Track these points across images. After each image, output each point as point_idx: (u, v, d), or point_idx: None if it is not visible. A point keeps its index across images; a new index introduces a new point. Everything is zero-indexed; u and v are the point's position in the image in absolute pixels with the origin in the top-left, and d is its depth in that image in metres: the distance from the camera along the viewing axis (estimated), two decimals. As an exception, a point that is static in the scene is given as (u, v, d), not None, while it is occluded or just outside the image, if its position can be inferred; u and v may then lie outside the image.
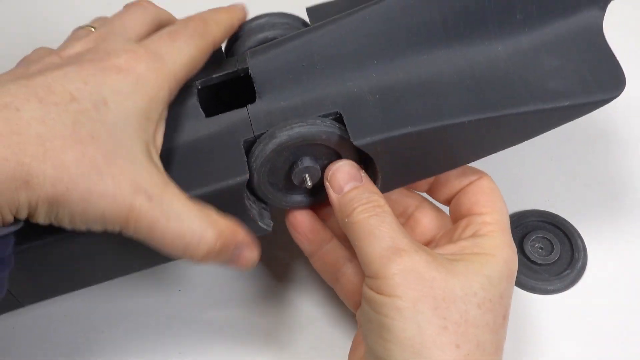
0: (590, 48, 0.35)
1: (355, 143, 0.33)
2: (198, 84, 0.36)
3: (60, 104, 0.29)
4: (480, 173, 0.37)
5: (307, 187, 0.35)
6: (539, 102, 0.33)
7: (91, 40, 0.34)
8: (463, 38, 0.34)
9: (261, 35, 0.38)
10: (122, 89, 0.31)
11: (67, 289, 0.38)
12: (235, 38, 0.39)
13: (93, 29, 0.35)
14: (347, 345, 0.36)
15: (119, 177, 0.29)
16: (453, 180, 0.38)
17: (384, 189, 0.36)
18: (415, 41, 0.34)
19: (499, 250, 0.34)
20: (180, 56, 0.34)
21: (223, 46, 0.39)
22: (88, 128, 0.29)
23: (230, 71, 0.36)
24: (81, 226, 0.30)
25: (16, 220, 0.29)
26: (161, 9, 0.37)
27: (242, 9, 0.39)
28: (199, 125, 0.35)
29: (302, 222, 0.38)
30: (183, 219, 0.31)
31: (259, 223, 0.36)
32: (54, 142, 0.28)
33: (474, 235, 0.35)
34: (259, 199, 0.37)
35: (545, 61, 0.32)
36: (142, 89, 0.32)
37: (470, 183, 0.37)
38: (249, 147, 0.35)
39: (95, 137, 0.29)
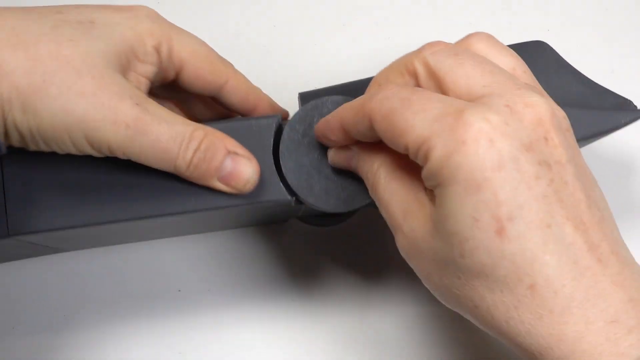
0: None
1: None
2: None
3: (45, 12, 0.28)
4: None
5: None
6: None
7: None
8: None
9: None
10: (114, 18, 0.29)
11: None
12: None
13: None
14: (354, 350, 0.36)
15: (100, 80, 0.27)
16: None
17: None
18: None
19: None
20: (188, 39, 0.32)
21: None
22: (68, 33, 0.27)
23: None
24: (64, 136, 0.27)
25: None
26: None
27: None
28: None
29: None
30: (172, 122, 0.29)
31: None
32: (27, 35, 0.27)
33: None
34: None
35: None
36: (135, 25, 0.30)
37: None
38: None
39: (74, 40, 0.27)
